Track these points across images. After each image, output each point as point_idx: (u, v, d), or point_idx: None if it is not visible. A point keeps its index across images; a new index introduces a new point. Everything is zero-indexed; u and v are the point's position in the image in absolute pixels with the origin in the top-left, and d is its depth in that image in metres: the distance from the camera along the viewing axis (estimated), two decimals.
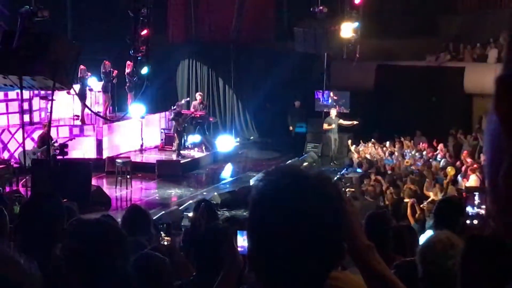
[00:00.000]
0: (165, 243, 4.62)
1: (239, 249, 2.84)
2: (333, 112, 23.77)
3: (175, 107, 22.36)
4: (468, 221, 10.73)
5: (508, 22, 0.90)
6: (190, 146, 22.93)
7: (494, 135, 0.89)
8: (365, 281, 2.27)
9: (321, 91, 25.33)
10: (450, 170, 17.60)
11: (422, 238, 5.51)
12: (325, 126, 23.66)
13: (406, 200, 15.00)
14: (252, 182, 19.45)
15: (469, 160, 19.08)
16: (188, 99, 24.57)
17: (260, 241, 1.75)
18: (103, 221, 3.09)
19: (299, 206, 1.69)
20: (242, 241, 2.76)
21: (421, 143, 22.35)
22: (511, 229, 0.88)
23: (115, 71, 22.32)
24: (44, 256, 3.47)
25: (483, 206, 14.64)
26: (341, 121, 23.62)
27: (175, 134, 21.94)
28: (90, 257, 2.87)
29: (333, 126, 23.50)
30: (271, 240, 1.72)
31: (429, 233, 9.98)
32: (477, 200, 14.97)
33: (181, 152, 21.83)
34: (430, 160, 19.93)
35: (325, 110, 24.87)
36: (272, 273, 1.74)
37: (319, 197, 1.72)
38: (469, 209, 13.32)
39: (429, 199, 15.06)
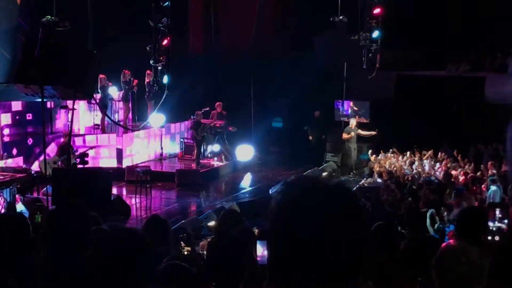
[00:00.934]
0: (185, 252, 4.62)
1: (258, 259, 2.84)
2: (353, 122, 23.74)
3: (194, 116, 22.43)
4: (489, 237, 10.65)
5: None
6: (209, 156, 22.98)
7: None
8: None
9: (340, 101, 25.30)
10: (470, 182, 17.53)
11: None
12: (345, 135, 23.63)
13: (423, 210, 14.93)
14: (271, 191, 19.46)
15: (492, 171, 19.00)
16: (207, 108, 24.62)
17: (280, 252, 1.76)
18: (130, 229, 3.11)
19: (318, 218, 1.70)
20: (261, 251, 2.76)
21: (440, 154, 22.26)
22: None
23: (136, 81, 22.42)
24: (71, 265, 3.50)
25: (505, 221, 14.51)
26: (360, 131, 23.58)
27: (194, 144, 22.01)
28: (118, 265, 2.89)
29: (353, 135, 23.47)
30: (291, 252, 1.72)
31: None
32: (498, 214, 14.86)
33: (200, 161, 21.88)
34: (449, 170, 19.83)
35: (344, 120, 24.85)
36: (292, 284, 1.75)
37: (338, 209, 1.72)
38: (490, 223, 13.19)
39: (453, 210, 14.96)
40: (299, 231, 1.71)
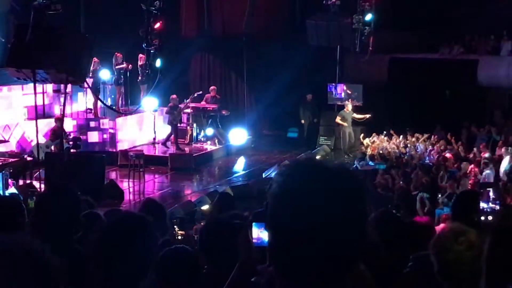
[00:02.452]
0: (179, 237, 4.61)
1: (254, 241, 2.83)
2: (349, 106, 23.70)
3: (188, 100, 22.40)
4: (482, 217, 10.69)
5: None
6: (203, 140, 22.95)
7: None
8: None
9: (333, 84, 25.27)
10: (464, 166, 17.55)
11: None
12: (338, 119, 23.58)
13: (413, 192, 14.98)
14: (264, 175, 19.47)
15: (485, 154, 19.04)
16: (200, 92, 24.56)
17: (280, 235, 1.74)
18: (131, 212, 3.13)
19: (320, 200, 1.68)
20: (258, 233, 2.75)
21: (433, 136, 22.30)
22: None
23: (129, 65, 22.32)
24: (62, 248, 3.48)
25: (498, 202, 14.57)
26: (355, 115, 23.56)
27: (170, 127, 21.88)
28: (116, 245, 2.89)
29: (347, 122, 23.44)
30: (291, 234, 1.70)
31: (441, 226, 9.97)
32: (492, 195, 14.91)
33: (193, 144, 21.90)
34: (443, 152, 19.87)
35: (338, 103, 24.83)
36: (291, 266, 1.73)
37: (340, 191, 1.70)
38: (483, 204, 13.24)
39: (447, 193, 14.99)
40: (300, 214, 1.68)
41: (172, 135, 21.83)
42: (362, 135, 23.06)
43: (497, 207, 13.26)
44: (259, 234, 2.77)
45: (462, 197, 5.07)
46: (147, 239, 3.01)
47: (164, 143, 21.92)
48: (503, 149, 19.43)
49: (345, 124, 23.42)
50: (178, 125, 22.76)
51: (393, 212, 5.59)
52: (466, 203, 4.76)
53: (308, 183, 1.70)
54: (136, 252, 2.93)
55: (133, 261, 2.91)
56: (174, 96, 21.84)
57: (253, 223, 2.81)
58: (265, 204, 1.80)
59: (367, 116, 23.50)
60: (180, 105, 21.92)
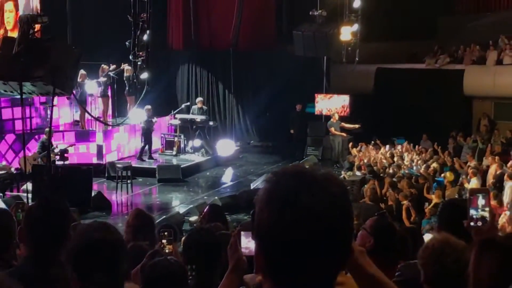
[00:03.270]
0: (167, 250, 4.63)
1: (242, 250, 2.84)
2: (336, 116, 23.78)
3: (175, 112, 22.38)
4: (472, 223, 10.70)
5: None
6: (190, 151, 22.94)
7: None
8: (358, 284, 2.32)
9: (321, 94, 25.35)
10: (449, 176, 17.60)
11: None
12: (332, 130, 23.62)
13: (403, 202, 15.03)
14: (252, 186, 19.48)
15: (471, 163, 19.10)
16: (188, 103, 24.59)
17: (267, 243, 1.74)
18: (109, 225, 3.10)
19: (307, 206, 1.68)
20: (246, 243, 2.77)
21: (417, 146, 22.39)
22: None
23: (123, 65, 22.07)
24: (49, 261, 3.48)
25: (487, 208, 14.59)
26: (343, 124, 23.62)
27: (143, 138, 21.75)
28: (95, 260, 2.88)
29: (337, 129, 23.51)
30: (278, 241, 1.70)
31: (428, 236, 9.99)
32: (480, 202, 14.93)
33: (143, 156, 21.71)
34: (429, 162, 19.93)
35: (324, 114, 24.91)
36: (279, 274, 1.73)
37: (326, 197, 1.71)
38: (472, 212, 13.26)
39: (433, 203, 15.03)
40: (287, 220, 1.68)
41: (147, 146, 21.75)
42: (350, 144, 23.12)
43: (486, 214, 13.29)
44: (247, 243, 2.79)
45: (447, 206, 5.07)
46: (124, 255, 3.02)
47: (140, 157, 21.69)
48: (489, 159, 19.57)
49: (337, 133, 23.50)
50: (166, 137, 22.75)
51: (388, 219, 5.61)
52: (452, 212, 4.77)
53: (295, 189, 1.70)
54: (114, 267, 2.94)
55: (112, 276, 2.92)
56: (149, 107, 21.69)
57: (241, 232, 2.83)
58: (252, 213, 1.81)
59: (357, 126, 23.58)
60: (154, 117, 21.81)
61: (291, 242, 1.69)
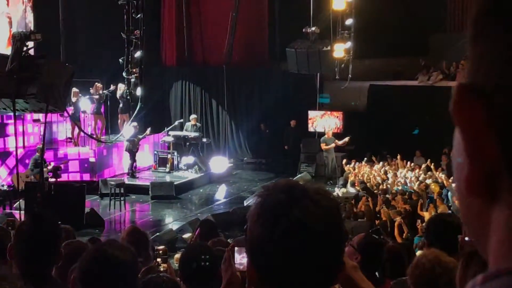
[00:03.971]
0: (162, 268, 4.61)
1: (236, 265, 2.83)
2: (330, 132, 23.80)
3: (168, 129, 22.37)
4: (467, 238, 10.70)
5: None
6: (183, 168, 22.91)
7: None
8: None
9: (314, 111, 25.40)
10: (434, 187, 17.59)
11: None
12: (324, 146, 23.60)
13: (395, 218, 15.03)
14: (246, 203, 19.44)
15: None
16: (181, 120, 24.60)
17: (259, 256, 1.74)
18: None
19: (299, 220, 1.68)
20: (240, 258, 2.75)
21: (409, 163, 22.41)
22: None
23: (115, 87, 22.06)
24: (40, 278, 3.46)
25: None
26: (337, 142, 23.62)
27: (129, 155, 21.68)
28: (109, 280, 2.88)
29: (333, 145, 23.49)
30: (270, 255, 1.70)
31: (420, 253, 9.97)
32: None
33: (135, 173, 21.64)
34: (421, 179, 19.94)
35: (317, 130, 24.94)
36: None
37: (318, 211, 1.71)
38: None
39: (426, 219, 15.02)
40: (280, 235, 1.68)
41: (135, 163, 21.73)
42: (344, 161, 23.12)
43: None
44: (241, 259, 2.78)
45: (435, 221, 5.06)
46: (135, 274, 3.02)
47: (132, 174, 21.64)
48: None
49: (329, 147, 23.50)
50: (159, 153, 22.74)
51: (376, 236, 5.60)
52: (440, 228, 4.76)
53: (286, 203, 1.70)
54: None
55: None
56: (135, 123, 21.65)
57: (235, 248, 2.82)
58: (245, 228, 1.81)
59: (347, 139, 23.56)
60: (139, 135, 21.75)
61: (282, 256, 1.69)
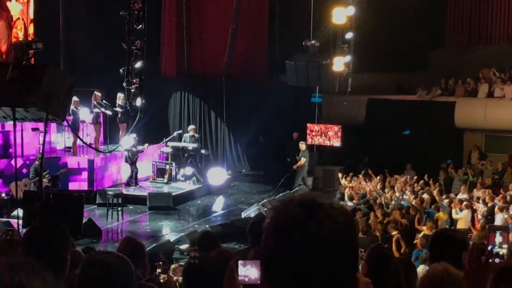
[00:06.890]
0: (162, 280, 4.61)
1: (240, 278, 2.84)
2: (303, 147, 24.03)
3: (167, 140, 22.37)
4: (490, 260, 10.73)
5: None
6: (181, 179, 22.90)
7: None
8: None
9: (313, 124, 25.40)
10: (443, 216, 17.52)
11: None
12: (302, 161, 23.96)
13: (392, 233, 15.01)
14: (243, 215, 19.42)
15: (463, 196, 19.18)
16: (180, 131, 24.61)
17: (273, 269, 1.74)
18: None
19: (314, 234, 1.70)
20: (244, 271, 2.76)
21: (408, 177, 22.42)
22: None
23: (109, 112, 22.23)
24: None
25: (505, 246, 14.56)
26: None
27: (130, 165, 21.75)
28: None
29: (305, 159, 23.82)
30: (284, 268, 1.71)
31: (421, 267, 9.95)
32: (498, 239, 14.89)
33: (137, 182, 21.75)
34: (419, 194, 19.94)
35: (310, 143, 24.95)
36: None
37: (333, 226, 1.72)
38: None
39: (421, 234, 15.02)
40: (295, 249, 1.69)
41: (133, 172, 21.76)
42: (340, 175, 23.13)
43: (504, 251, 13.29)
44: (246, 271, 2.79)
45: (439, 236, 5.09)
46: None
47: (135, 183, 21.70)
48: (480, 192, 19.62)
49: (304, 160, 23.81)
50: (158, 164, 22.73)
51: (383, 248, 5.63)
52: (443, 243, 4.78)
53: (302, 217, 1.71)
54: None
55: None
56: (134, 135, 21.68)
57: (239, 261, 2.83)
58: (258, 240, 1.82)
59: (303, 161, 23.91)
60: (138, 146, 21.80)
61: (296, 269, 1.70)
